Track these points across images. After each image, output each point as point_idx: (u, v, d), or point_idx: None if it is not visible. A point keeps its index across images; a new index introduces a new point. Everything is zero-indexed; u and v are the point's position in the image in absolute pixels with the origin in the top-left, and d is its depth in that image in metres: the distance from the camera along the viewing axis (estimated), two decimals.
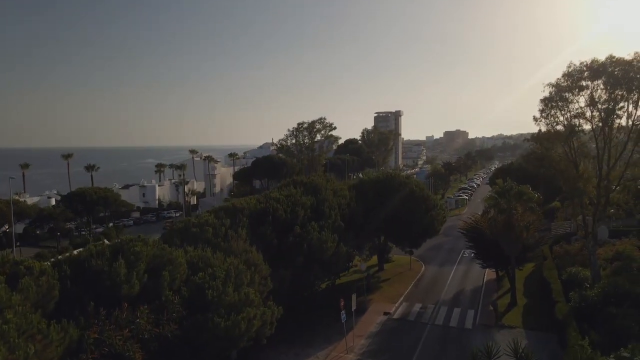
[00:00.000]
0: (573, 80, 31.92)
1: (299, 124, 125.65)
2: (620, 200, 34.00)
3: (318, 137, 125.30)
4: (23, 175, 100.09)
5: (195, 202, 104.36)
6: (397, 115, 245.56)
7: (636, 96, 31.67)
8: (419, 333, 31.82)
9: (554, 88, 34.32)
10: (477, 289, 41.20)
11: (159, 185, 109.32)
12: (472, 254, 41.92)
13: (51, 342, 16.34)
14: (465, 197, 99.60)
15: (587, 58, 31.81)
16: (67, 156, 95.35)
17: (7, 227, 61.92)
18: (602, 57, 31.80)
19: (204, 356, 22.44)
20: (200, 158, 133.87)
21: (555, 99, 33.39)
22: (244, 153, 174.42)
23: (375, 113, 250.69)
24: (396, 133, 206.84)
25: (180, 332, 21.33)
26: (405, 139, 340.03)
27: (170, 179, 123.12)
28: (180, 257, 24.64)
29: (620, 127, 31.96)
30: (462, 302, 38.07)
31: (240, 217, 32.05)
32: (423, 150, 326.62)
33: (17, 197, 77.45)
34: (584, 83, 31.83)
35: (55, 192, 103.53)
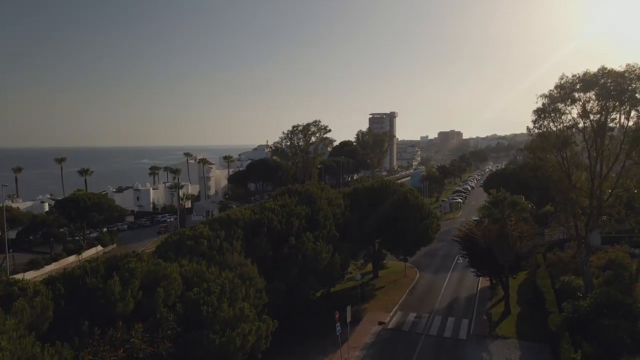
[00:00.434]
0: (565, 92, 32.14)
1: (293, 127, 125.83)
2: (612, 210, 34.16)
3: (313, 139, 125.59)
4: (16, 179, 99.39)
5: (190, 206, 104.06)
6: (391, 116, 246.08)
7: (628, 108, 31.96)
8: (413, 344, 31.95)
9: (546, 99, 34.59)
10: (471, 297, 41.41)
11: (153, 189, 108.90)
12: (467, 263, 42.08)
13: None
14: (459, 200, 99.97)
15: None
16: (61, 160, 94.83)
17: None
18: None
19: None
20: (195, 160, 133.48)
21: (548, 110, 33.60)
22: (239, 155, 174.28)
23: (370, 114, 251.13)
24: (391, 135, 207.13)
25: (175, 349, 21.30)
26: (399, 139, 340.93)
27: (164, 182, 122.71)
28: (175, 272, 24.63)
29: (612, 138, 32.22)
30: (456, 310, 38.25)
31: (235, 229, 32.06)
32: (418, 151, 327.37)
33: (10, 203, 76.96)
34: (576, 95, 32.07)
35: (49, 196, 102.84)
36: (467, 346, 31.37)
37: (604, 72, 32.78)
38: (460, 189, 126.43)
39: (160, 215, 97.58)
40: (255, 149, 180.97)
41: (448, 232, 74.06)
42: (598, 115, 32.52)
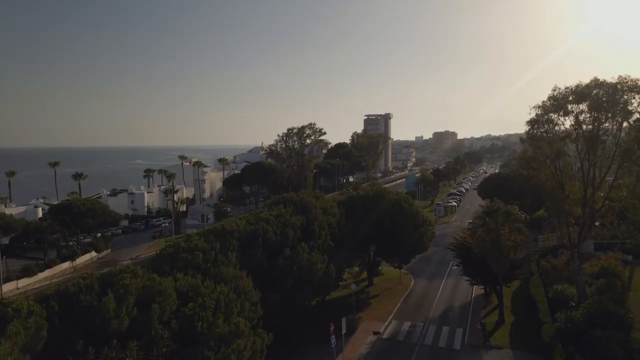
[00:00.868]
0: (558, 103, 32.38)
1: (288, 129, 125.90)
2: (605, 220, 34.46)
3: (308, 141, 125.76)
4: (9, 183, 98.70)
5: (185, 209, 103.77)
6: (386, 118, 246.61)
7: (620, 119, 32.24)
8: (408, 354, 32.09)
9: (540, 109, 34.85)
10: (465, 305, 41.61)
11: (147, 192, 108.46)
12: (461, 271, 42.27)
13: None
14: (454, 203, 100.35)
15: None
16: (54, 164, 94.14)
17: None
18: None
19: None
20: (190, 163, 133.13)
21: (542, 121, 33.83)
22: (234, 157, 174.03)
23: (365, 116, 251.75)
24: (386, 136, 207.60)
25: None
26: (394, 139, 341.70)
27: (159, 185, 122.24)
28: (170, 287, 24.57)
29: (604, 150, 32.49)
30: (450, 319, 38.43)
31: (230, 240, 32.03)
32: (412, 152, 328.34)
33: (3, 208, 76.50)
34: (569, 107, 32.31)
35: (42, 200, 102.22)
36: (461, 356, 31.55)
37: (597, 83, 33.09)
38: (455, 191, 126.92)
39: (155, 219, 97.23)
40: (250, 151, 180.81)
41: (443, 237, 74.35)
42: (591, 127, 32.78)
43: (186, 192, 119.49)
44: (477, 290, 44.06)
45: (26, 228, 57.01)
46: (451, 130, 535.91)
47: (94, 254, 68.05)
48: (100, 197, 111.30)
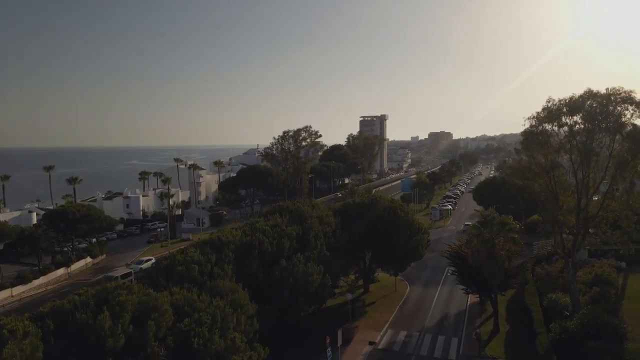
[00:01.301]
0: (552, 116, 32.60)
1: (284, 132, 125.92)
2: (599, 230, 34.73)
3: (303, 144, 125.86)
4: (3, 187, 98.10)
5: (181, 213, 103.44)
6: (382, 119, 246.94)
7: (613, 131, 32.47)
8: None
9: (534, 120, 35.09)
10: (460, 314, 41.80)
11: (143, 196, 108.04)
12: (457, 280, 42.44)
13: None
14: (449, 207, 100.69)
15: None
16: (49, 168, 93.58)
17: None
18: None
19: None
20: (185, 166, 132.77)
21: (537, 132, 34.04)
22: (229, 159, 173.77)
23: (361, 117, 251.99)
24: (381, 138, 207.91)
25: None
26: (390, 140, 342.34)
27: (154, 188, 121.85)
28: (166, 302, 24.56)
29: (597, 162, 32.73)
30: (446, 328, 38.60)
31: (226, 252, 32.06)
32: (408, 153, 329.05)
33: None
34: (563, 119, 32.54)
35: (37, 205, 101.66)
36: None
37: (590, 94, 33.35)
38: (450, 194, 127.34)
39: (150, 223, 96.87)
40: (246, 153, 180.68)
41: (438, 241, 74.58)
42: (585, 138, 33.02)
43: (182, 195, 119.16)
44: (472, 298, 44.25)
45: (21, 235, 56.70)
46: (447, 130, 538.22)
47: (88, 259, 67.69)
48: (95, 200, 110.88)
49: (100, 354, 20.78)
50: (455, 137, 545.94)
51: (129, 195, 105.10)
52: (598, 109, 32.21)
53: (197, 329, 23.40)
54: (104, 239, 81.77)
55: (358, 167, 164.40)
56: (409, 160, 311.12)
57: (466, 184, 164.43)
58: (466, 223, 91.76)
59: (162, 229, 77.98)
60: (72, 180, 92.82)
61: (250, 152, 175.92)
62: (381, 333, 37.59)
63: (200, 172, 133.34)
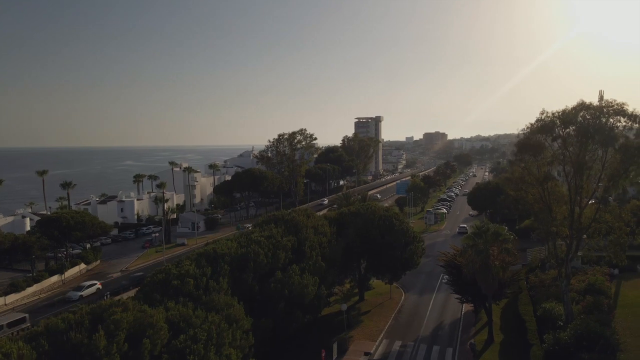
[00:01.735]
0: (546, 128, 32.83)
1: (279, 135, 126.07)
2: (591, 241, 35.02)
3: (298, 146, 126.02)
4: None
5: (175, 217, 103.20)
6: (377, 120, 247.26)
7: (605, 142, 32.70)
8: None
9: (528, 129, 35.32)
10: (455, 322, 41.98)
11: (137, 200, 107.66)
12: (451, 290, 42.57)
13: None
14: (444, 210, 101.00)
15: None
16: (42, 172, 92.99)
17: None
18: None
19: None
20: (180, 168, 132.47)
21: (531, 143, 34.24)
22: (224, 162, 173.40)
23: (356, 119, 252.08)
24: (376, 140, 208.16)
25: None
26: (385, 140, 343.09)
27: (149, 192, 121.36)
28: (161, 319, 24.47)
29: (589, 176, 33.00)
30: (440, 338, 38.75)
31: (222, 265, 32.02)
32: (403, 154, 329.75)
33: None
34: (556, 131, 32.77)
35: (30, 209, 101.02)
36: None
37: (583, 106, 33.61)
38: (445, 197, 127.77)
39: (145, 227, 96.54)
40: (240, 155, 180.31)
41: (433, 246, 74.91)
42: (578, 150, 33.25)
43: (176, 199, 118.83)
44: (467, 306, 44.43)
45: (14, 242, 56.34)
46: (441, 131, 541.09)
47: (82, 266, 67.38)
48: (89, 203, 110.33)
49: None
50: (449, 137, 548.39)
51: (124, 199, 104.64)
52: (591, 121, 32.46)
53: (193, 346, 23.39)
54: (98, 244, 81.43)
55: (353, 170, 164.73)
56: (404, 162, 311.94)
57: (461, 186, 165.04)
58: (461, 225, 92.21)
59: (157, 234, 77.69)
60: (66, 185, 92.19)
61: (245, 154, 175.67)
62: (376, 343, 37.66)
63: (195, 174, 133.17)
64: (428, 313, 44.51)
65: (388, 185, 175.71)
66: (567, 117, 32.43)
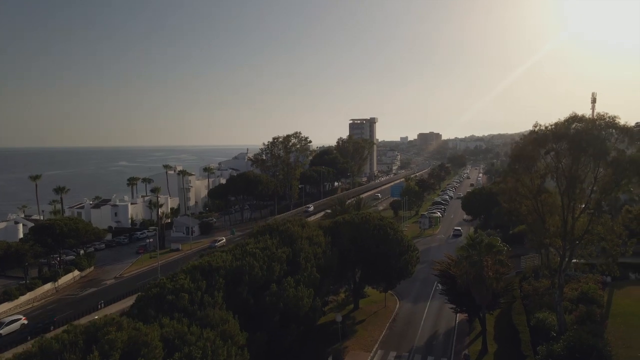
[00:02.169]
0: (539, 143, 33.07)
1: (274, 138, 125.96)
2: (584, 252, 35.33)
3: (293, 149, 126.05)
4: None
5: (170, 221, 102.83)
6: (371, 122, 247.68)
7: (597, 156, 32.98)
8: None
9: (521, 140, 35.54)
10: (449, 332, 42.18)
11: (131, 204, 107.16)
12: (446, 300, 42.74)
13: None
14: (438, 214, 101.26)
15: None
16: (35, 177, 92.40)
17: None
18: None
19: None
20: (175, 171, 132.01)
21: (524, 155, 34.48)
22: (219, 164, 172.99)
23: (350, 120, 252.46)
24: (371, 142, 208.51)
25: None
26: (379, 140, 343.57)
27: (143, 196, 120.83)
28: (156, 337, 24.42)
29: (582, 191, 33.27)
30: (435, 348, 38.93)
31: (217, 278, 31.99)
32: (398, 155, 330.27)
33: None
34: (549, 145, 33.03)
35: (23, 214, 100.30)
36: None
37: (576, 118, 33.88)
38: (440, 199, 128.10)
39: (139, 232, 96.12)
40: (235, 157, 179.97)
41: (428, 251, 75.17)
42: (570, 163, 33.51)
43: (171, 202, 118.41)
44: (461, 315, 44.61)
45: (7, 251, 55.98)
46: (435, 131, 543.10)
47: (76, 272, 67.05)
48: (82, 207, 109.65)
49: None
50: (444, 137, 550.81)
51: (117, 203, 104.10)
52: (584, 134, 32.69)
53: None
54: (92, 249, 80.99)
55: (348, 174, 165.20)
56: (398, 163, 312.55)
57: (455, 188, 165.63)
58: (455, 228, 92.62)
59: (151, 240, 77.40)
60: (59, 190, 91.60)
61: (239, 157, 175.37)
62: (371, 354, 37.80)
63: (190, 177, 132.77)
64: (422, 322, 44.68)
65: (383, 187, 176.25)
66: (559, 131, 32.68)
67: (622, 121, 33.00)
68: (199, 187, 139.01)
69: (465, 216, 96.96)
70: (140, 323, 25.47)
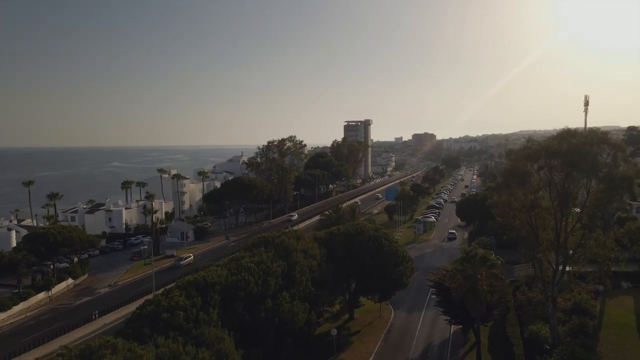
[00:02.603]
0: (531, 159, 33.36)
1: (269, 142, 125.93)
2: (577, 266, 35.69)
3: (287, 153, 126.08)
4: None
5: (164, 226, 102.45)
6: (366, 124, 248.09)
7: (589, 172, 33.31)
8: None
9: (514, 155, 35.80)
10: (444, 343, 42.41)
11: (125, 209, 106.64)
12: (440, 312, 42.93)
13: None
14: (433, 218, 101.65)
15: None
16: (28, 183, 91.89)
17: None
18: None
19: None
20: (169, 175, 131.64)
21: (517, 173, 34.72)
22: (213, 167, 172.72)
23: (345, 122, 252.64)
24: (365, 144, 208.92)
25: None
26: (374, 141, 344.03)
27: (137, 200, 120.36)
28: (151, 358, 24.45)
29: (574, 208, 33.64)
30: None
31: (212, 295, 32.02)
32: (392, 157, 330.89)
33: None
34: (541, 161, 33.33)
35: (16, 216, 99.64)
36: None
37: (569, 133, 34.21)
38: (434, 203, 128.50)
39: (133, 237, 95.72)
40: (230, 160, 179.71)
41: (422, 257, 75.50)
42: (563, 179, 33.81)
43: (165, 207, 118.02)
44: (455, 325, 44.85)
45: (0, 261, 55.64)
46: (430, 131, 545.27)
47: (70, 281, 66.68)
48: (76, 211, 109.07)
49: None
50: (438, 137, 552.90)
51: (111, 208, 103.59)
52: (575, 150, 32.96)
53: None
54: (86, 255, 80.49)
55: (342, 178, 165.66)
56: (393, 164, 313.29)
57: (449, 191, 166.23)
58: (450, 231, 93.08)
59: (146, 247, 77.15)
60: (53, 196, 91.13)
61: (234, 159, 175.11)
62: None
63: (184, 181, 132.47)
64: (417, 333, 44.88)
65: (378, 189, 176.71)
66: (552, 146, 32.97)
67: (613, 138, 33.44)
68: (194, 191, 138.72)
69: (459, 222, 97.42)
70: (135, 344, 25.46)
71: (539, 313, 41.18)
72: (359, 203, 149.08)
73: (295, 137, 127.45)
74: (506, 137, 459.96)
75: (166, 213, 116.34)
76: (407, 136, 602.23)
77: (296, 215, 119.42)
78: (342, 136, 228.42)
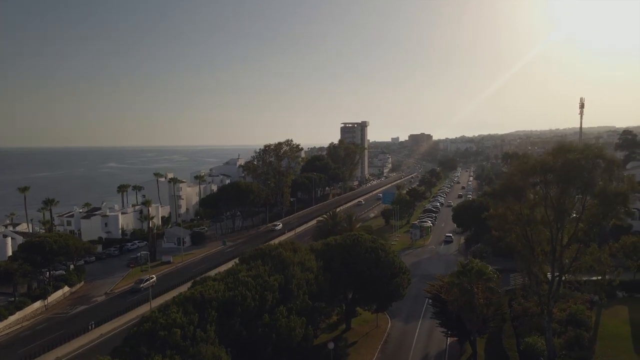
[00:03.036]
0: (526, 174, 33.54)
1: (265, 146, 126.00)
2: (573, 279, 35.93)
3: (284, 156, 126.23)
4: None
5: (161, 232, 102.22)
6: (362, 126, 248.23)
7: (584, 188, 33.52)
8: None
9: (509, 171, 36.01)
10: (440, 354, 42.58)
11: (122, 214, 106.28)
12: (437, 324, 43.04)
13: None
14: (429, 223, 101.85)
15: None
16: (24, 189, 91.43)
17: None
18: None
19: None
20: (165, 179, 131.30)
21: (512, 188, 34.90)
22: (210, 170, 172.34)
23: (342, 124, 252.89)
24: (362, 147, 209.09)
25: None
26: (371, 141, 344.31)
27: (133, 205, 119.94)
28: None
29: (570, 221, 33.82)
30: None
31: (209, 311, 32.04)
32: (389, 158, 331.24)
33: None
34: (537, 176, 33.52)
35: (11, 221, 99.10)
36: None
37: (565, 149, 34.39)
38: (430, 207, 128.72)
39: (129, 243, 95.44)
40: (227, 163, 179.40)
41: (419, 264, 75.71)
42: (559, 194, 34.00)
43: (162, 211, 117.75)
44: (452, 337, 45.01)
45: None
46: (427, 132, 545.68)
47: (66, 289, 66.41)
48: (72, 215, 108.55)
49: None
50: (435, 137, 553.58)
51: (108, 213, 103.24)
52: (570, 166, 33.10)
53: None
54: (82, 262, 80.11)
55: (339, 183, 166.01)
56: (390, 165, 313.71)
57: (446, 194, 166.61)
58: (447, 234, 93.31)
59: (143, 253, 76.93)
60: (48, 202, 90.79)
61: (231, 162, 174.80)
62: None
63: (181, 185, 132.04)
64: (414, 344, 45.01)
65: (374, 192, 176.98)
66: (547, 162, 33.16)
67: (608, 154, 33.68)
68: (190, 194, 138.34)
69: (456, 228, 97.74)
70: None
71: (535, 324, 41.39)
72: (363, 202, 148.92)
73: (292, 140, 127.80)
74: (502, 138, 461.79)
75: (163, 217, 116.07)
76: (403, 136, 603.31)
77: (281, 225, 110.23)
78: (339, 137, 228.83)
